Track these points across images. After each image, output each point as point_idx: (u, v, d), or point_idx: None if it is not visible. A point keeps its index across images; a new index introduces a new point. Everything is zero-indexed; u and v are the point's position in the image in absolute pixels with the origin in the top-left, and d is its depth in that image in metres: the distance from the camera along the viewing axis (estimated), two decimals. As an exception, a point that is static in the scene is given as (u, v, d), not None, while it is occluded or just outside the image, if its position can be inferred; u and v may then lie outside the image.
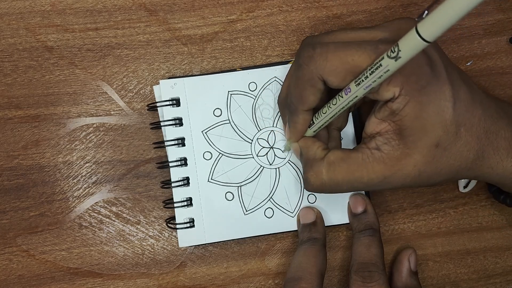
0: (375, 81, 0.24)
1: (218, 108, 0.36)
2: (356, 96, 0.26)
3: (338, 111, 0.28)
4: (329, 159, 0.29)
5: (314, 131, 0.31)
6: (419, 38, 0.20)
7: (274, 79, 0.36)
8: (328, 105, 0.29)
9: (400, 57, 0.22)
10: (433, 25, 0.19)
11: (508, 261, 0.38)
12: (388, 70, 0.23)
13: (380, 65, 0.23)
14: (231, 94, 0.36)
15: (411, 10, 0.38)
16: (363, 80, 0.25)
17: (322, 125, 0.31)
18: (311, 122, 0.31)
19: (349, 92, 0.26)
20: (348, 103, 0.27)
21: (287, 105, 0.32)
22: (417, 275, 0.36)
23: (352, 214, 0.36)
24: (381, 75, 0.24)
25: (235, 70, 0.36)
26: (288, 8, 0.37)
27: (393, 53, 0.22)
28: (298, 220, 0.36)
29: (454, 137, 0.27)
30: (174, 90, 0.36)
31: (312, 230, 0.35)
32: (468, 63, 0.38)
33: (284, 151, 0.36)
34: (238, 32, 0.37)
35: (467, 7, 0.18)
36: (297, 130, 0.31)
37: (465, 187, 0.37)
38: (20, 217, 0.36)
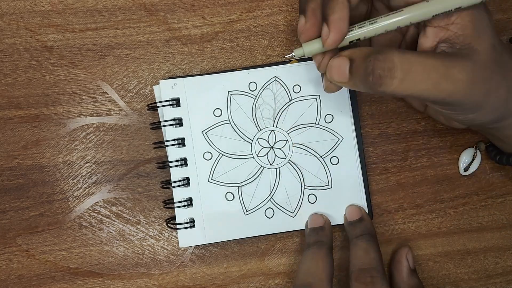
0: None
1: (218, 108, 0.36)
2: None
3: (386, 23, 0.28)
4: (403, 51, 0.27)
5: (361, 38, 0.28)
6: None
7: (274, 79, 0.36)
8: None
9: None
10: None
11: (508, 261, 0.38)
12: None
13: None
14: (231, 94, 0.36)
15: (411, 10, 0.38)
16: None
17: (362, 32, 0.28)
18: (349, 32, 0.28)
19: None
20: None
21: None
22: (416, 272, 0.36)
23: (348, 223, 0.36)
24: None
25: (235, 70, 0.36)
26: (288, 8, 0.37)
27: None
28: (307, 225, 0.36)
29: (500, 56, 0.28)
30: (174, 90, 0.35)
31: (320, 234, 0.35)
32: (468, 63, 0.38)
33: (303, 55, 0.30)
34: (238, 32, 0.37)
35: None
36: (337, 25, 0.27)
37: (465, 170, 0.37)
38: (20, 217, 0.36)
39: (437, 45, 0.29)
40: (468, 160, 0.37)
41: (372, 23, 0.28)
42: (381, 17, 0.28)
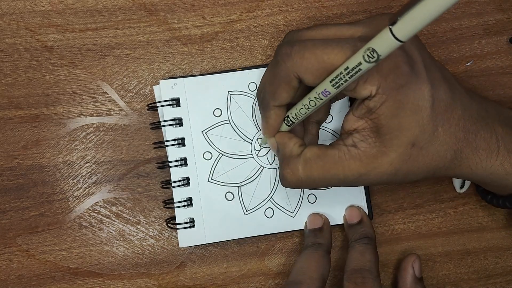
0: (350, 79, 0.25)
1: (218, 108, 0.36)
2: (331, 94, 0.27)
3: (314, 109, 0.29)
4: (305, 156, 0.29)
5: (289, 126, 0.31)
6: (393, 38, 0.20)
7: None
8: (305, 105, 0.29)
9: (379, 60, 0.22)
10: (408, 25, 0.19)
11: (508, 261, 0.38)
12: (361, 70, 0.23)
13: (360, 69, 0.23)
14: (231, 94, 0.36)
15: (411, 10, 0.38)
16: (342, 84, 0.25)
17: (298, 121, 0.31)
18: (286, 117, 0.31)
19: (328, 94, 0.26)
20: (324, 101, 0.27)
21: (261, 99, 0.32)
22: (423, 281, 0.35)
23: (348, 225, 0.36)
24: (357, 75, 0.24)
25: (235, 70, 0.36)
26: (288, 8, 0.37)
27: (372, 58, 0.22)
28: (306, 226, 0.36)
29: (431, 137, 0.27)
30: (174, 90, 0.36)
31: (318, 235, 0.35)
32: (468, 63, 0.38)
33: (260, 145, 0.36)
34: (238, 32, 0.37)
35: (441, 9, 0.18)
36: (270, 125, 0.31)
37: (461, 187, 0.37)
38: (20, 217, 0.36)
39: (352, 133, 0.28)
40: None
41: (304, 112, 0.29)
42: (307, 104, 0.29)
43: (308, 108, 0.29)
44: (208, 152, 0.36)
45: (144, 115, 0.37)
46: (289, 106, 0.31)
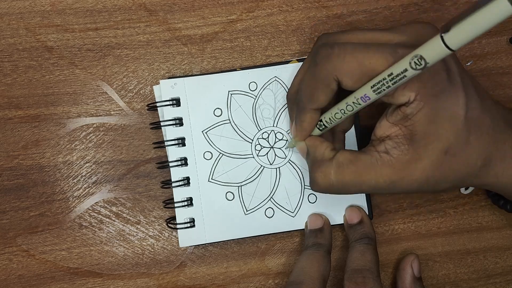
0: (393, 86, 0.25)
1: (218, 108, 0.36)
2: (370, 99, 0.26)
3: (350, 115, 0.29)
4: (338, 160, 0.29)
5: (321, 130, 0.31)
6: (444, 47, 0.20)
7: (274, 79, 0.36)
8: (341, 110, 0.28)
9: (426, 67, 0.22)
10: (461, 34, 0.20)
11: (508, 261, 0.38)
12: (405, 76, 0.23)
13: (405, 76, 0.23)
14: (231, 94, 0.36)
15: (411, 11, 0.38)
16: (384, 90, 0.25)
17: (330, 126, 0.31)
18: (319, 121, 0.31)
19: (368, 99, 0.26)
20: (362, 107, 0.27)
21: (296, 101, 0.31)
22: (422, 281, 0.35)
23: (348, 226, 0.36)
24: (400, 82, 0.24)
25: (235, 70, 0.36)
26: (288, 8, 0.37)
27: (419, 65, 0.22)
28: (306, 226, 0.36)
29: (464, 145, 0.27)
30: (174, 90, 0.35)
31: (318, 236, 0.35)
32: (468, 63, 0.38)
33: (286, 148, 0.36)
34: (238, 32, 0.37)
35: (496, 20, 0.18)
36: (304, 129, 0.31)
37: (466, 188, 0.37)
38: (20, 217, 0.36)
39: (385, 140, 0.28)
40: None
41: (339, 117, 0.29)
42: (344, 109, 0.29)
43: (344, 113, 0.28)
44: (208, 152, 0.36)
45: (144, 115, 0.37)
46: (323, 111, 0.30)
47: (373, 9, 0.38)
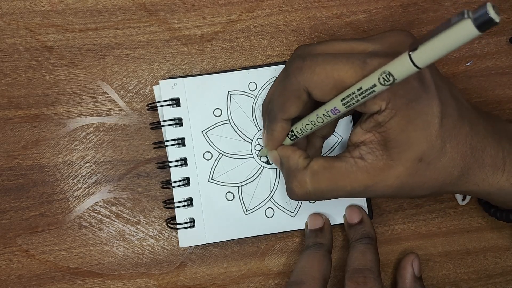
0: (362, 100, 0.25)
1: (218, 108, 0.36)
2: (340, 112, 0.27)
3: (320, 126, 0.29)
4: (312, 168, 0.29)
5: (292, 140, 0.31)
6: (411, 64, 0.21)
7: (274, 79, 0.36)
8: (312, 121, 0.29)
9: (394, 83, 0.22)
10: (427, 53, 0.20)
11: (508, 261, 0.38)
12: (374, 91, 0.24)
13: (374, 91, 0.24)
14: (231, 94, 0.36)
15: (411, 11, 0.38)
16: (353, 103, 0.25)
17: (302, 137, 0.31)
18: (291, 132, 0.31)
19: (338, 112, 0.26)
20: (332, 119, 0.28)
21: (268, 111, 0.32)
22: (422, 280, 0.36)
23: (348, 225, 0.36)
24: (369, 96, 0.24)
25: (235, 70, 0.36)
26: (288, 8, 0.37)
27: (387, 81, 0.22)
28: (306, 226, 0.36)
29: (439, 153, 0.27)
30: (174, 90, 0.36)
31: (319, 235, 0.35)
32: (468, 63, 0.38)
33: (258, 156, 0.36)
34: (238, 32, 0.37)
35: (463, 41, 0.19)
36: (274, 138, 0.31)
37: (463, 199, 0.37)
38: (20, 217, 0.36)
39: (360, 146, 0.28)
40: None
41: (310, 128, 0.29)
42: (314, 120, 0.29)
43: (314, 124, 0.29)
44: (208, 152, 0.36)
45: (144, 115, 0.37)
46: (294, 121, 0.31)
47: (373, 9, 0.38)
